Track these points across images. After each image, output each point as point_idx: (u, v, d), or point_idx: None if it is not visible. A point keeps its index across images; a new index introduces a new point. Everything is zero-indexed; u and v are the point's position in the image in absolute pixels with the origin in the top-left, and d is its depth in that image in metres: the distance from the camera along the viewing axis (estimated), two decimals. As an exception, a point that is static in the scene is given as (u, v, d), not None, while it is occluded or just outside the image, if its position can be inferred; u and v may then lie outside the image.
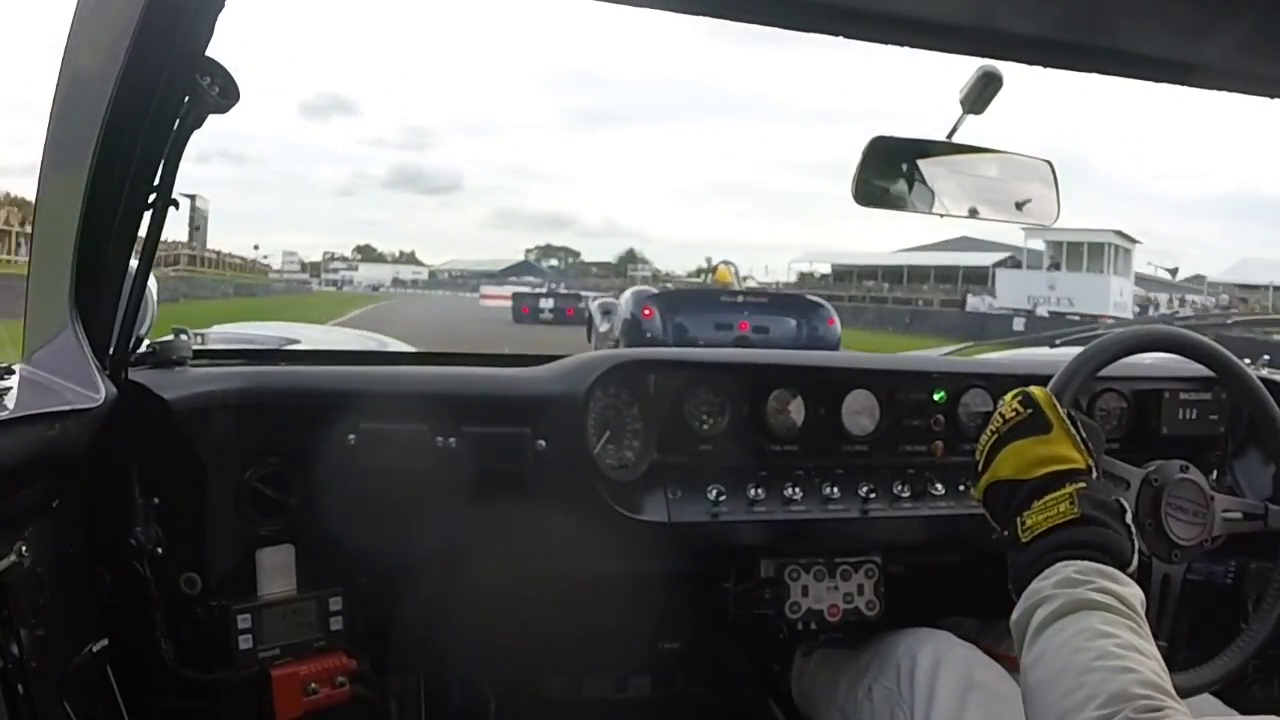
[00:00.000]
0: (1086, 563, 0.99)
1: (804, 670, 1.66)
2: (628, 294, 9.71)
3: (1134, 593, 0.97)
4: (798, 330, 8.53)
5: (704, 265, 55.23)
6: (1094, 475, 1.08)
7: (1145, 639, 0.93)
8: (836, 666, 1.57)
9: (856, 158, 1.44)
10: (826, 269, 62.03)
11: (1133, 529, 1.04)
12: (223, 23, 0.98)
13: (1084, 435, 1.11)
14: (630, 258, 77.84)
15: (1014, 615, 1.03)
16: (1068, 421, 1.11)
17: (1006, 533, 1.10)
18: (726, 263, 12.45)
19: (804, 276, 60.95)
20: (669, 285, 42.73)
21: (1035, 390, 1.16)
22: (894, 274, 56.79)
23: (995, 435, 1.15)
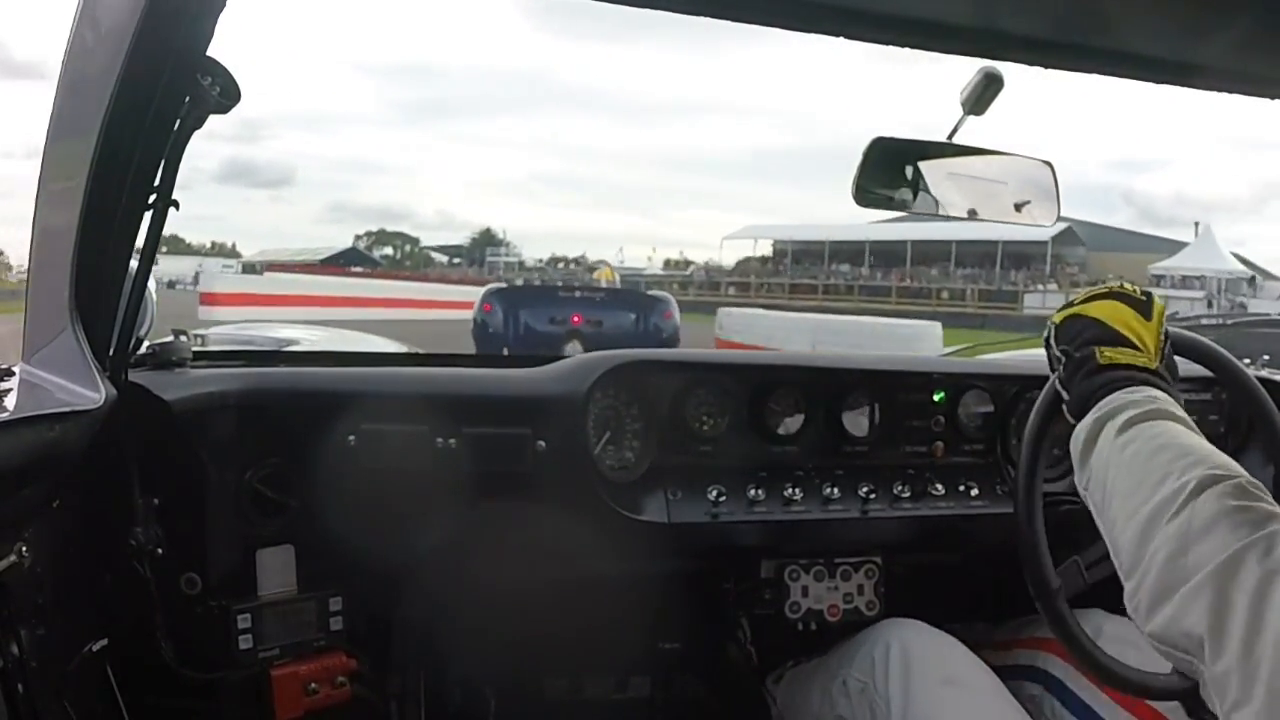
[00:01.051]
0: (1164, 393, 1.02)
1: (776, 695, 1.65)
2: (483, 291, 10.14)
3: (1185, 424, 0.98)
4: (635, 324, 8.97)
5: (561, 255, 53.75)
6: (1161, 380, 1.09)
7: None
8: (807, 678, 1.56)
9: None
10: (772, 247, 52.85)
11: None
12: (223, 23, 0.98)
13: (1167, 353, 1.13)
14: (488, 239, 66.26)
15: (1083, 422, 1.06)
16: (1163, 334, 1.13)
17: (1074, 356, 1.11)
18: (603, 262, 13.18)
19: (744, 262, 52.53)
20: (535, 278, 40.33)
21: (1155, 298, 1.17)
22: (886, 253, 45.90)
23: (1106, 288, 1.16)
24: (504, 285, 10.72)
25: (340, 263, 52.59)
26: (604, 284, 11.35)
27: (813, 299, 39.25)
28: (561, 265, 52.40)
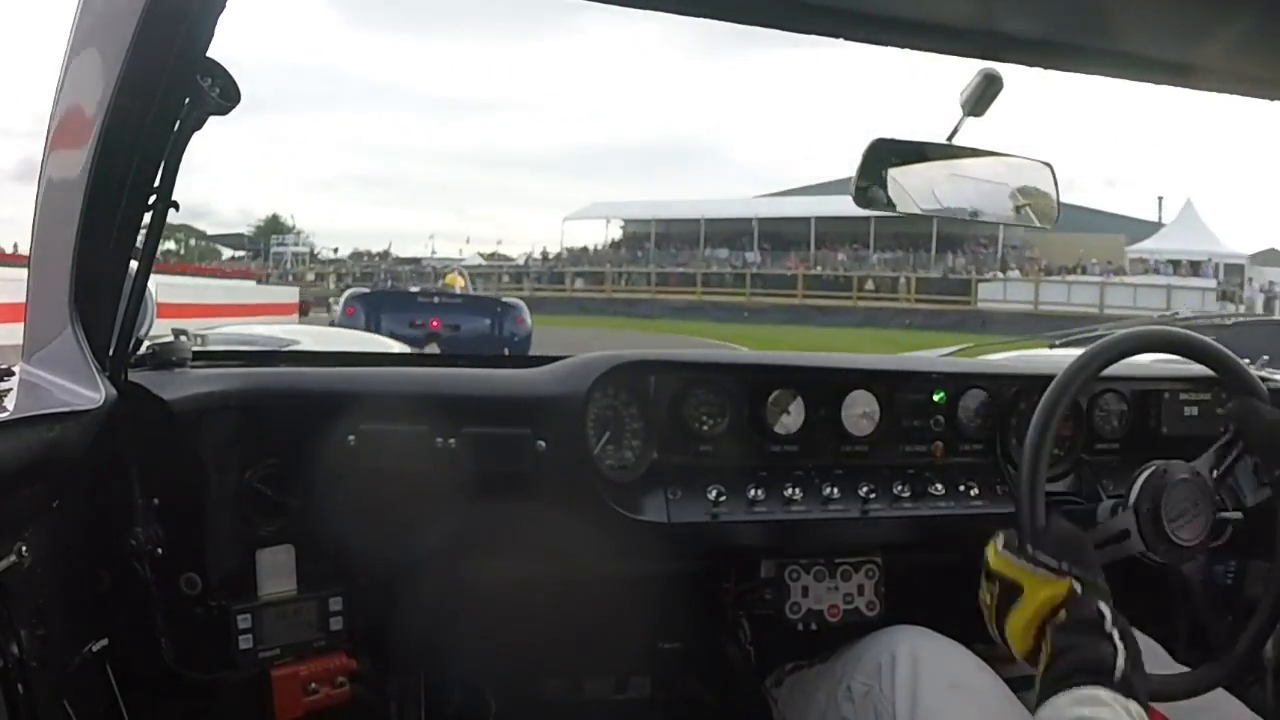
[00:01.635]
0: (1068, 693, 1.03)
1: (777, 698, 1.65)
2: (345, 295, 10.50)
3: (1109, 710, 1.00)
4: (490, 328, 9.44)
5: (364, 250, 48.84)
6: (1077, 590, 1.11)
7: None
8: (810, 683, 1.55)
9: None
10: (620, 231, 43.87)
11: (1114, 633, 1.07)
12: (223, 24, 0.99)
13: (1053, 559, 1.14)
14: (274, 227, 58.44)
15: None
16: (1029, 565, 1.15)
17: None
18: (458, 270, 13.24)
19: (591, 251, 42.73)
20: (330, 270, 41.00)
21: (991, 560, 1.20)
22: (779, 234, 37.37)
23: (993, 624, 1.20)
24: (365, 290, 11.13)
25: None
26: (457, 290, 11.62)
27: (690, 292, 33.95)
28: (365, 258, 47.55)
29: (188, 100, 1.01)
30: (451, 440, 1.37)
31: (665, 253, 39.65)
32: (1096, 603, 1.11)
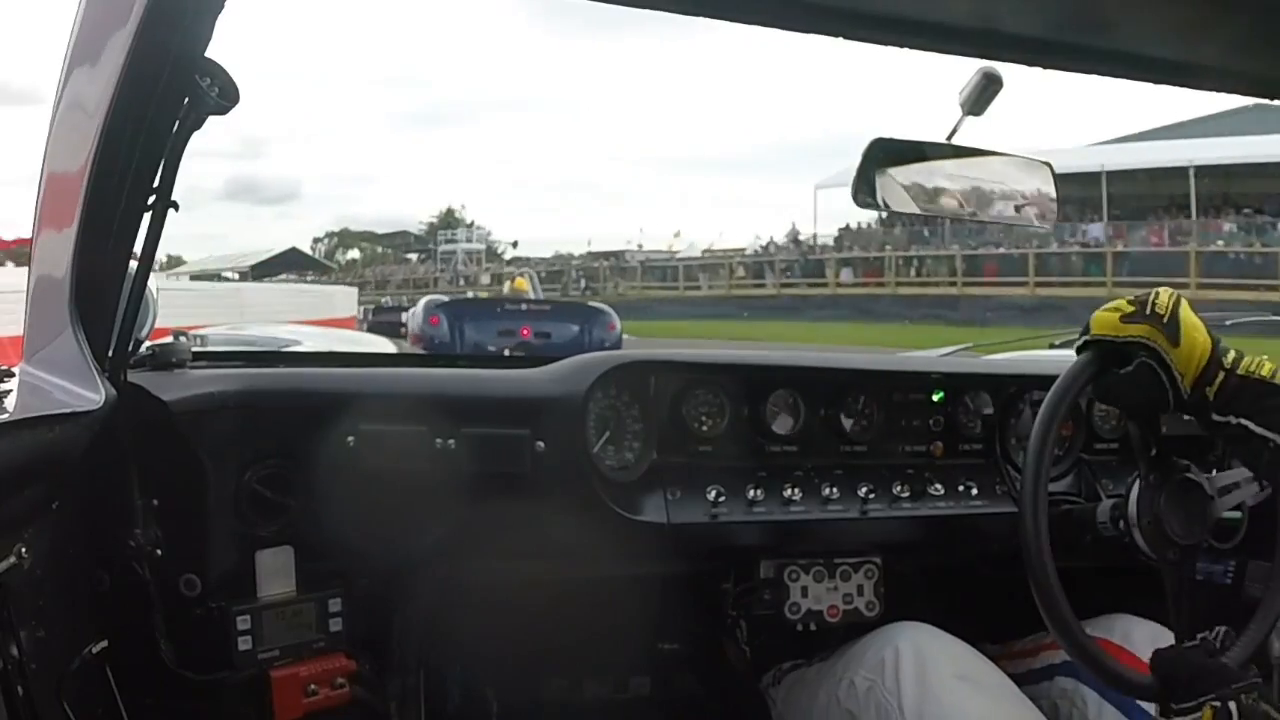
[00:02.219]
0: None
1: (775, 697, 1.65)
2: (420, 304, 9.98)
3: None
4: (580, 335, 9.12)
5: (601, 251, 39.22)
6: (1214, 705, 1.17)
7: None
8: (810, 680, 1.56)
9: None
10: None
11: None
12: (222, 24, 0.98)
13: (1188, 702, 1.18)
14: (448, 221, 51.72)
15: None
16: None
17: None
18: (524, 273, 12.84)
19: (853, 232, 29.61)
20: (511, 267, 35.44)
21: None
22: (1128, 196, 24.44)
23: None
24: (446, 298, 10.68)
25: (275, 268, 43.91)
26: (526, 293, 11.56)
27: (1017, 284, 22.86)
28: (601, 260, 37.62)
29: (187, 100, 1.01)
30: (451, 441, 1.37)
31: (964, 228, 25.15)
32: (1228, 707, 1.16)
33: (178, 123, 1.03)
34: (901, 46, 1.06)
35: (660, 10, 0.98)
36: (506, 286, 12.69)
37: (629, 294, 31.35)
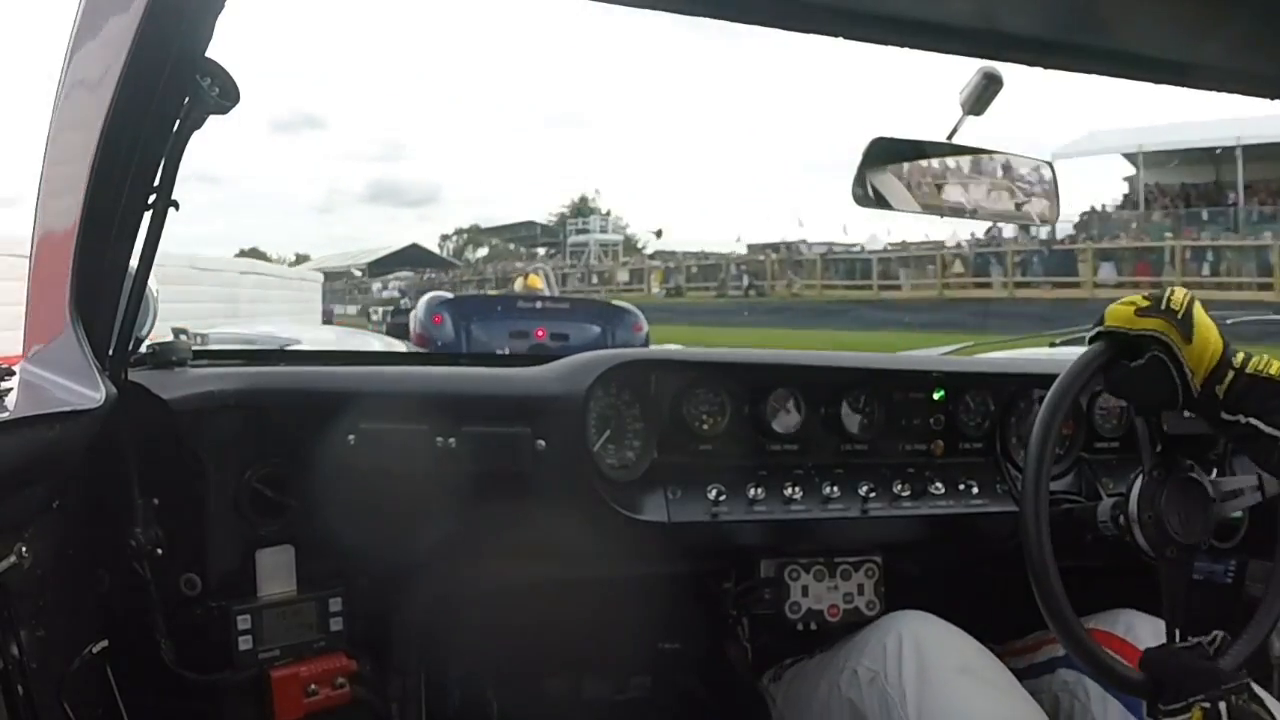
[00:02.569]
0: None
1: (776, 694, 1.65)
2: (422, 301, 8.98)
3: None
4: (602, 336, 8.16)
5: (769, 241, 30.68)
6: (1204, 706, 1.18)
7: None
8: (811, 673, 1.56)
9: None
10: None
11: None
12: (222, 23, 0.98)
13: (1178, 703, 1.20)
14: (581, 209, 45.63)
15: None
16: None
17: None
18: (538, 269, 11.70)
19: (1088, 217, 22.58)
20: (656, 261, 32.20)
21: None
22: None
23: None
24: (450, 295, 9.63)
25: (392, 265, 40.63)
26: (543, 291, 10.34)
27: None
28: (767, 252, 29.50)
29: (187, 100, 1.01)
30: (451, 439, 1.37)
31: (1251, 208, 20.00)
32: (1218, 707, 1.17)
33: (178, 123, 1.03)
34: (902, 46, 1.06)
35: (660, 10, 0.98)
36: (519, 284, 11.30)
37: (804, 294, 26.04)
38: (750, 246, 32.11)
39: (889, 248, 26.38)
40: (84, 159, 1.02)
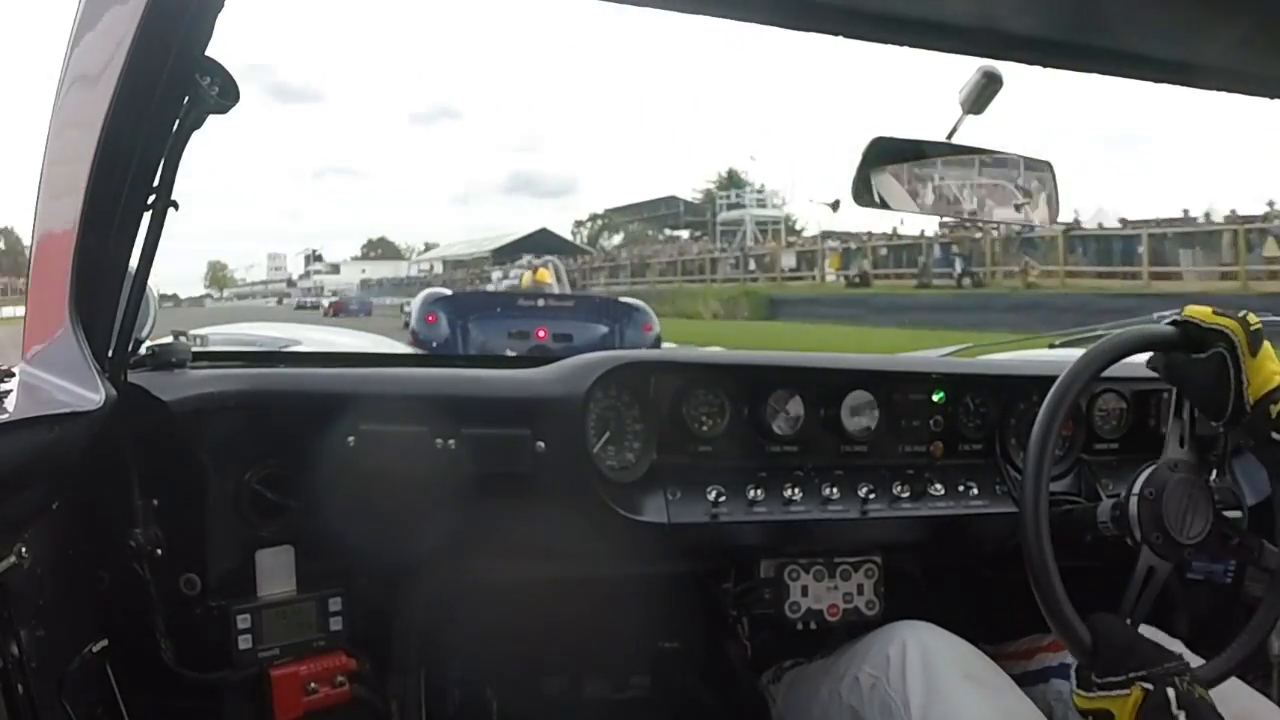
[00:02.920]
0: None
1: (776, 695, 1.65)
2: (418, 298, 8.59)
3: None
4: (609, 336, 7.83)
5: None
6: (1146, 689, 1.15)
7: None
8: (811, 677, 1.56)
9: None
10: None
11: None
12: (222, 23, 0.98)
13: (1116, 674, 1.18)
14: (731, 181, 38.94)
15: None
16: (1102, 692, 1.19)
17: None
18: (546, 263, 11.10)
19: None
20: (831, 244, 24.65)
21: (1075, 702, 1.24)
22: None
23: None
24: (447, 292, 9.18)
25: (519, 250, 36.07)
26: (549, 287, 9.92)
27: None
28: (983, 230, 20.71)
29: (187, 99, 1.01)
30: (451, 441, 1.37)
31: None
32: (1165, 692, 1.15)
33: (178, 122, 1.03)
34: (902, 45, 1.06)
35: (660, 10, 0.98)
36: (525, 278, 10.61)
37: (1042, 283, 19.03)
38: (944, 224, 23.14)
39: (1158, 222, 19.27)
40: (84, 159, 1.02)
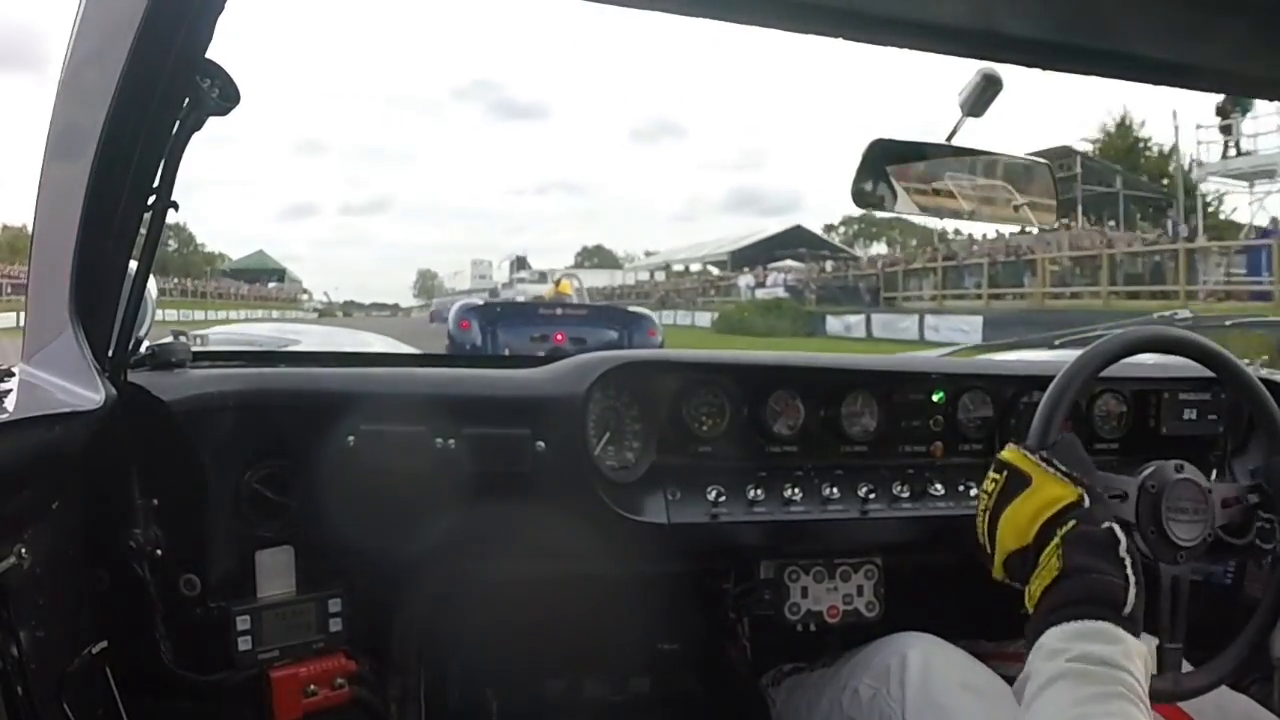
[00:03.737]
0: (1070, 624, 0.98)
1: (775, 697, 1.64)
2: (454, 306, 9.56)
3: (1123, 649, 0.95)
4: (618, 341, 8.61)
5: None
6: (1085, 502, 1.08)
7: (1132, 703, 0.92)
8: (812, 686, 1.55)
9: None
10: None
11: (1127, 560, 1.03)
12: (222, 24, 0.98)
13: (1065, 466, 1.10)
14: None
15: (1014, 685, 1.04)
16: (1043, 463, 1.11)
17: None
18: (569, 276, 12.23)
19: None
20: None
21: (1004, 453, 1.16)
22: None
23: (986, 512, 1.14)
24: (479, 302, 10.22)
25: (770, 248, 32.90)
26: (570, 298, 11.01)
27: None
28: None
29: (187, 101, 1.02)
30: (451, 441, 1.37)
31: None
32: (1109, 521, 1.07)
33: (178, 123, 1.04)
34: (901, 47, 1.06)
35: (660, 10, 0.98)
36: (548, 290, 11.87)
37: None
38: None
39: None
40: (84, 159, 1.02)
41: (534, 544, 1.48)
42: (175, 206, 1.09)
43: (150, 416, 1.24)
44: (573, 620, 1.65)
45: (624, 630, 1.69)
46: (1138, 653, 0.96)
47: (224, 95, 1.02)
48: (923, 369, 1.75)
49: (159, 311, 1.34)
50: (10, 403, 1.07)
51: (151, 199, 1.08)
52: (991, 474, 1.16)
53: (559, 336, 8.46)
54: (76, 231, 1.05)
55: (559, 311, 9.32)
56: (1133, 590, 1.00)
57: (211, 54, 1.01)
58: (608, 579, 1.61)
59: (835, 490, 1.55)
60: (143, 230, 1.11)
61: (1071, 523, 1.05)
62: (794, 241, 36.32)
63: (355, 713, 1.42)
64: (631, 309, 10.10)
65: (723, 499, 1.49)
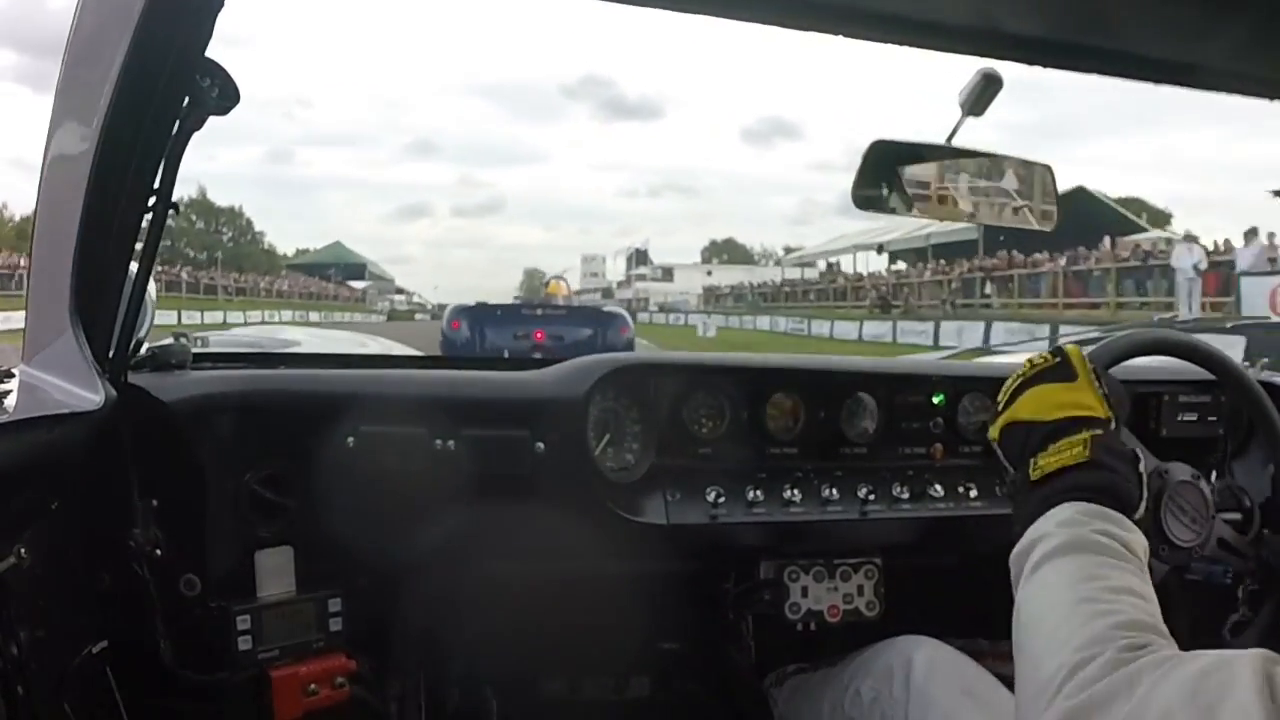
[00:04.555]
0: (1091, 505, 1.00)
1: (777, 698, 1.64)
2: (446, 310, 10.35)
3: (1136, 539, 0.97)
4: (593, 337, 9.32)
5: None
6: (1113, 426, 1.09)
7: (1144, 582, 0.93)
8: (814, 687, 1.55)
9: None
10: None
11: (1144, 477, 1.05)
12: (222, 24, 0.98)
13: (1108, 391, 1.11)
14: None
15: (1014, 551, 1.05)
16: (1094, 376, 1.12)
17: (1015, 473, 1.11)
18: (559, 278, 12.82)
19: None
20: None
21: (1068, 345, 1.16)
22: None
23: (1021, 378, 1.14)
24: (469, 304, 10.86)
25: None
26: (559, 299, 11.52)
27: None
28: None
29: (186, 100, 1.01)
30: (451, 442, 1.37)
31: None
32: (1135, 448, 1.10)
33: (178, 123, 1.03)
34: (902, 45, 1.06)
35: (659, 9, 0.98)
36: (542, 291, 12.68)
37: None
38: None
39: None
40: (84, 160, 1.02)
41: (534, 545, 1.48)
42: (176, 208, 1.09)
43: (150, 418, 1.24)
44: (573, 621, 1.65)
45: (624, 631, 1.69)
46: (1144, 550, 0.99)
47: (223, 94, 1.02)
48: (923, 371, 1.75)
49: (157, 314, 1.33)
50: (10, 403, 1.07)
51: (151, 199, 1.08)
52: (1046, 353, 1.16)
53: (539, 334, 9.16)
54: (76, 233, 1.05)
55: (540, 312, 10.04)
56: (1144, 503, 1.04)
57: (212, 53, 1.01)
58: (608, 579, 1.61)
59: (834, 491, 1.55)
60: (143, 231, 1.11)
61: (1099, 430, 1.06)
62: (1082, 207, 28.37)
63: (355, 712, 1.42)
64: (606, 309, 11.01)
65: (722, 500, 1.49)
